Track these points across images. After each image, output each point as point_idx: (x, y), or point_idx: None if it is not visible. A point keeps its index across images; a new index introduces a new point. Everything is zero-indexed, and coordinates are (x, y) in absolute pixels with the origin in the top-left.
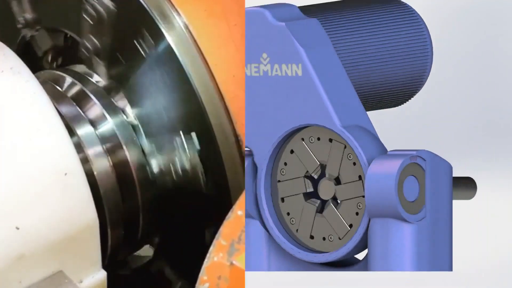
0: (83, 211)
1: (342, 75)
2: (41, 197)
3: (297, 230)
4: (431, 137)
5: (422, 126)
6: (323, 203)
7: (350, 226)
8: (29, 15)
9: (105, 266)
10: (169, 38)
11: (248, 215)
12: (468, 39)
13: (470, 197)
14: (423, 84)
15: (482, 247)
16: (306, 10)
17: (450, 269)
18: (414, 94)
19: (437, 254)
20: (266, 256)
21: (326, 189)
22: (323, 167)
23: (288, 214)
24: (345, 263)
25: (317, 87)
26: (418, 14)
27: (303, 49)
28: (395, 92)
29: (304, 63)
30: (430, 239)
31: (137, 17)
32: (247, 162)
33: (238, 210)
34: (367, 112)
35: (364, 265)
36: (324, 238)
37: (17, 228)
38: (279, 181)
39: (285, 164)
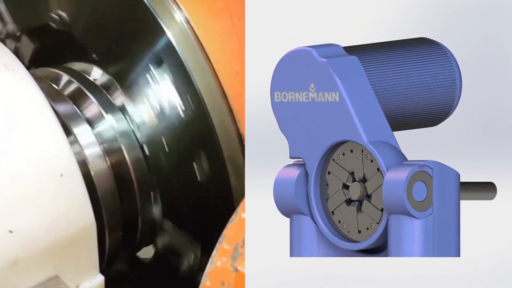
0: (80, 214)
1: (372, 100)
2: (36, 199)
3: (348, 231)
4: (431, 136)
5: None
6: (360, 202)
7: (373, 225)
8: (10, 26)
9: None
10: (170, 34)
11: (301, 213)
12: (468, 39)
13: (491, 198)
14: (450, 114)
15: (482, 247)
16: (350, 49)
17: (458, 256)
18: (441, 122)
19: (444, 244)
20: (316, 245)
21: (354, 191)
22: (352, 174)
23: (337, 218)
24: (378, 250)
25: (350, 111)
26: (449, 51)
27: (339, 80)
28: (423, 119)
29: (340, 91)
30: (437, 231)
31: (135, 12)
32: (301, 170)
33: (242, 213)
34: (397, 131)
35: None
36: (353, 230)
37: (11, 232)
38: (327, 200)
39: (332, 165)
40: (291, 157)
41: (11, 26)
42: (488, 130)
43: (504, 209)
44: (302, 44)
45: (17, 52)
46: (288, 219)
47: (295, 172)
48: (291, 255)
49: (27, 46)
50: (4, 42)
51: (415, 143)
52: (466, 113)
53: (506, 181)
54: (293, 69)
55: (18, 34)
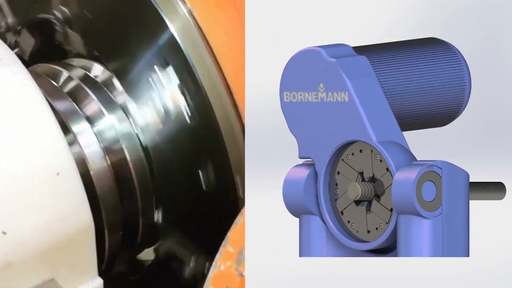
0: (77, 214)
1: (382, 100)
2: (31, 198)
3: (357, 231)
4: (431, 136)
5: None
6: (365, 202)
7: (382, 225)
8: (10, 19)
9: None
10: (173, 28)
11: (310, 212)
12: (469, 39)
13: (500, 198)
14: (459, 113)
15: (482, 247)
16: (359, 49)
17: (467, 256)
18: (450, 121)
19: (453, 244)
20: (325, 245)
21: (353, 191)
22: (362, 174)
23: (346, 218)
24: (387, 250)
25: (359, 111)
26: (458, 51)
27: (348, 80)
28: (432, 119)
29: (349, 91)
30: (446, 231)
31: (137, 6)
32: (310, 170)
33: None
34: (406, 131)
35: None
36: (377, 228)
37: (4, 233)
38: (336, 200)
39: (342, 166)
40: (300, 157)
41: (11, 19)
42: (488, 130)
43: (502, 209)
44: (302, 44)
45: (17, 46)
46: (289, 219)
47: (305, 172)
48: (300, 255)
49: (28, 40)
50: (4, 36)
51: (414, 144)
52: (466, 113)
53: (504, 181)
54: (302, 69)
55: (18, 28)
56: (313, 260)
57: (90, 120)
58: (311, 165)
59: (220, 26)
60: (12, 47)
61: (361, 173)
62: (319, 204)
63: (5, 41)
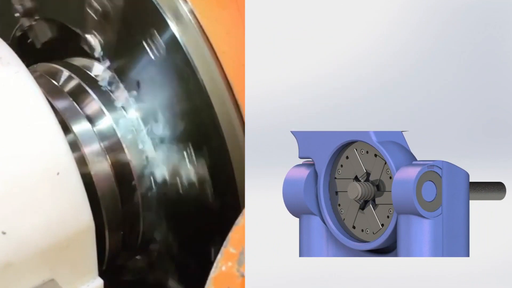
0: (77, 215)
1: None
2: (30, 198)
3: (344, 219)
4: (431, 136)
5: (423, 126)
6: (365, 202)
7: (382, 225)
8: (28, 4)
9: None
10: (174, 27)
11: (310, 212)
12: (469, 39)
13: (500, 198)
14: None
15: (482, 247)
16: None
17: (467, 256)
18: None
19: (453, 244)
20: (325, 245)
21: (353, 191)
22: (368, 174)
23: (339, 205)
24: (388, 250)
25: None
26: None
27: None
28: None
29: None
30: (446, 231)
31: (138, 4)
32: (309, 170)
33: None
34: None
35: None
36: (362, 230)
37: (4, 233)
38: (335, 178)
39: (341, 166)
40: (301, 157)
41: (29, 3)
42: (488, 130)
43: (502, 209)
44: (302, 44)
45: (31, 32)
46: (289, 219)
47: (305, 172)
48: (300, 255)
49: (43, 30)
50: (17, 20)
51: (414, 144)
52: (466, 113)
53: (504, 181)
54: None
55: (36, 17)
56: (313, 260)
57: (91, 119)
58: (311, 165)
59: (221, 25)
60: (23, 29)
61: (361, 173)
62: (319, 204)
63: (16, 24)
